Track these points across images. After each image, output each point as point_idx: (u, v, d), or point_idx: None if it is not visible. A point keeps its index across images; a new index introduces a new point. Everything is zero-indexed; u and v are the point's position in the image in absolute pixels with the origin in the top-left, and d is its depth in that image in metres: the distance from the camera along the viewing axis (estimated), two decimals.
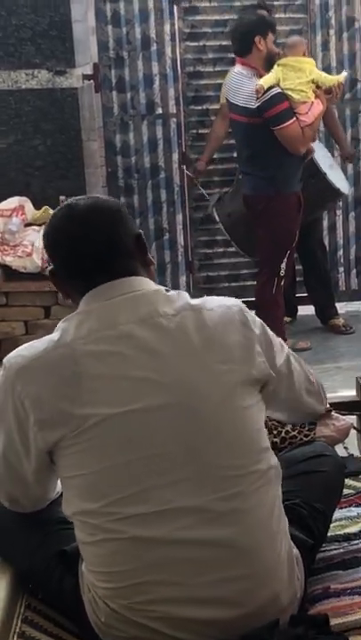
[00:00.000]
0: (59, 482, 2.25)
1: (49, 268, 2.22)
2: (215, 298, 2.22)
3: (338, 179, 6.50)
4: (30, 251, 5.90)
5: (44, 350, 2.07)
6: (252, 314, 2.21)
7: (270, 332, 2.25)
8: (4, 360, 2.11)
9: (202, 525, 2.01)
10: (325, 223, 7.16)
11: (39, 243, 5.80)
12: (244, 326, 2.15)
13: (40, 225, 6.00)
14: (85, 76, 6.62)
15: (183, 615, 2.00)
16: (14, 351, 2.12)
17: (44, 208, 6.11)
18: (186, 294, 2.16)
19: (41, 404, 2.04)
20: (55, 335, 2.09)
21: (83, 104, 6.46)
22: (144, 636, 2.02)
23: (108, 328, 2.05)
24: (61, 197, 6.06)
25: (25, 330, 6.00)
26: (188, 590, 2.00)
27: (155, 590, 2.00)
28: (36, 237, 5.91)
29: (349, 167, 7.08)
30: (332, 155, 6.87)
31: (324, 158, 6.46)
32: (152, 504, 2.00)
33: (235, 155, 6.56)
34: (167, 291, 2.15)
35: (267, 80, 5.69)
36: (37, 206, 6.21)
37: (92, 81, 6.73)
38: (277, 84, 5.71)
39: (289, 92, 5.73)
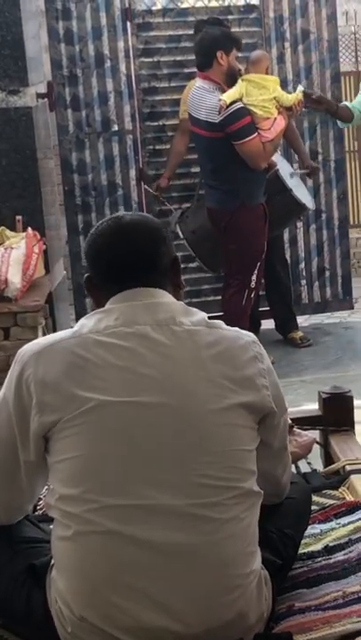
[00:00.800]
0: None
1: (86, 274, 2.32)
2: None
3: (302, 194, 6.51)
4: None
5: (58, 339, 2.16)
6: (262, 348, 2.25)
7: (276, 377, 2.27)
8: (19, 350, 2.19)
9: (177, 529, 2.02)
10: (286, 236, 7.18)
11: None
12: (256, 357, 2.20)
13: None
14: (39, 95, 6.57)
15: (149, 624, 2.00)
16: (30, 342, 2.21)
17: (0, 228, 6.04)
18: (204, 313, 2.23)
19: (46, 385, 2.09)
20: (73, 328, 2.19)
21: (37, 123, 6.40)
22: None
23: (124, 325, 2.13)
24: (17, 217, 6.01)
25: None
26: (155, 597, 2.00)
27: (123, 593, 2.00)
28: None
29: (309, 180, 7.09)
30: (292, 167, 6.87)
31: (288, 173, 6.47)
32: (132, 497, 2.03)
33: (193, 170, 6.57)
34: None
35: (230, 95, 5.71)
36: None
37: (46, 99, 6.70)
38: (240, 99, 5.71)
39: (252, 108, 5.74)
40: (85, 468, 2.05)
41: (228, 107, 5.68)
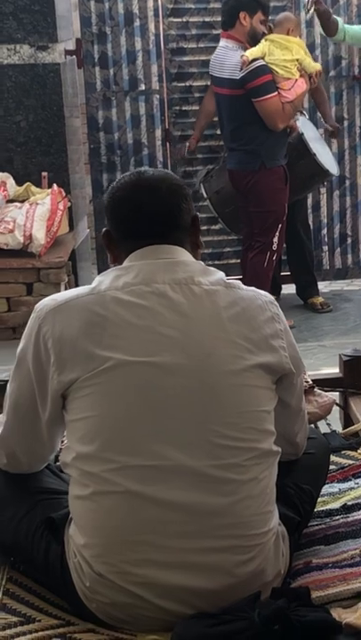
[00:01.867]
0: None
1: (104, 228, 2.29)
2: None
3: (327, 159, 6.46)
4: (12, 227, 5.83)
5: (76, 295, 2.14)
6: (279, 309, 2.25)
7: (293, 338, 2.27)
8: (37, 304, 2.18)
9: (196, 489, 2.03)
10: (309, 202, 7.13)
11: (21, 219, 5.76)
12: (273, 317, 2.20)
13: (22, 201, 5.95)
14: (68, 52, 6.57)
15: (168, 582, 2.01)
16: (47, 297, 2.19)
17: (26, 184, 6.06)
18: (222, 273, 2.22)
19: (63, 343, 2.08)
20: (91, 285, 2.16)
21: (65, 80, 6.40)
22: (128, 601, 2.03)
23: (143, 284, 2.12)
24: (43, 174, 6.02)
25: (7, 307, 5.95)
26: (175, 555, 2.02)
27: (142, 551, 2.02)
28: (17, 214, 5.85)
29: (333, 146, 7.05)
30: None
31: (314, 138, 6.42)
32: (149, 457, 2.03)
33: (219, 132, 6.54)
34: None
35: (253, 52, 5.70)
36: (19, 182, 6.15)
37: (74, 56, 6.69)
38: (262, 58, 5.71)
39: (273, 67, 5.72)
40: (104, 428, 2.05)
41: (250, 63, 5.68)
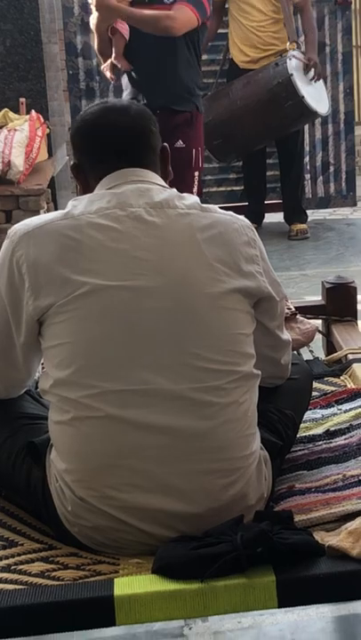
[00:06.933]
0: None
1: (72, 161, 2.28)
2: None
3: (318, 97, 6.38)
4: None
5: (50, 219, 2.11)
6: (256, 234, 2.23)
7: (269, 263, 2.26)
8: (10, 229, 2.15)
9: (177, 413, 2.02)
10: None
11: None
12: (249, 242, 2.18)
13: (0, 127, 5.86)
14: None
15: (150, 505, 2.01)
16: (20, 222, 2.16)
17: (3, 110, 5.96)
18: (196, 197, 2.20)
19: (38, 268, 2.06)
20: (64, 210, 2.14)
21: (42, 4, 6.27)
22: (110, 525, 2.03)
23: (118, 208, 2.09)
24: (21, 99, 5.93)
25: None
26: (156, 479, 2.01)
27: (123, 476, 2.01)
28: None
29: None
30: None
31: (303, 79, 6.32)
32: (129, 382, 2.01)
33: (212, 58, 6.48)
34: None
35: None
36: None
37: None
38: None
39: None
40: (81, 353, 2.03)
41: None
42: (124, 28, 5.16)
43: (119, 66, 5.24)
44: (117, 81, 5.65)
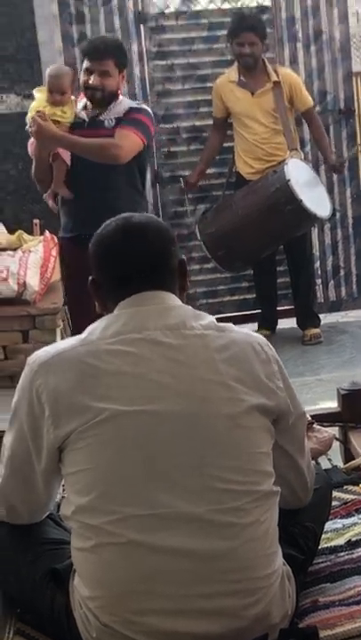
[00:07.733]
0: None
1: (90, 277, 2.28)
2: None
3: (318, 201, 6.42)
4: (6, 276, 5.81)
5: (68, 347, 2.14)
6: (273, 351, 2.24)
7: (288, 378, 2.27)
8: (30, 357, 2.18)
9: (198, 535, 2.02)
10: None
11: (15, 267, 5.76)
12: (268, 359, 2.20)
13: (15, 249, 5.96)
14: None
15: (173, 629, 2.00)
16: (40, 349, 2.18)
17: (18, 232, 6.06)
18: (212, 317, 2.22)
19: (58, 397, 2.08)
20: (82, 335, 2.16)
21: None
22: None
23: (134, 332, 2.12)
24: (35, 221, 6.04)
25: (4, 355, 5.92)
26: (179, 602, 2.01)
27: (146, 601, 2.01)
28: (10, 262, 5.84)
29: (322, 178, 7.07)
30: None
31: (305, 181, 6.36)
32: (149, 506, 2.02)
33: (209, 171, 6.60)
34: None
35: None
36: (11, 231, 6.17)
37: None
38: None
39: None
40: (101, 479, 2.04)
41: None
42: (65, 154, 5.09)
43: (60, 194, 5.19)
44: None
